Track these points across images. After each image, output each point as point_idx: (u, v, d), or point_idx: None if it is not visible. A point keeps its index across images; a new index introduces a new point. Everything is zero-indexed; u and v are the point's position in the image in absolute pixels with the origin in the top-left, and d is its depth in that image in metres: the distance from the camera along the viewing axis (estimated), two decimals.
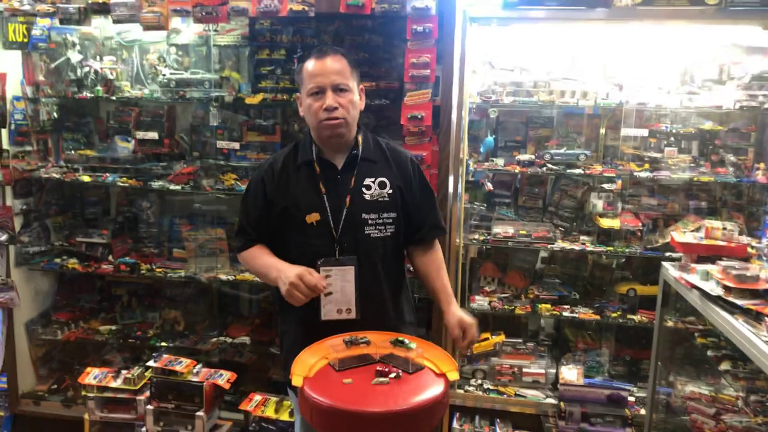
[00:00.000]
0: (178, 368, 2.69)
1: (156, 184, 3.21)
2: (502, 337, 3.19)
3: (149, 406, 2.68)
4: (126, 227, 3.51)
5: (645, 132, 3.08)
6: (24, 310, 3.35)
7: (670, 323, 2.73)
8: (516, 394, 3.10)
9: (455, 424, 3.02)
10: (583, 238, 3.13)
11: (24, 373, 3.38)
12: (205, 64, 3.24)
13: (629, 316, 3.07)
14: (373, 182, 2.09)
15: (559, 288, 3.22)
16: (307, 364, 1.72)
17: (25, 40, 3.11)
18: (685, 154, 3.11)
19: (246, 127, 3.23)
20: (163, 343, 3.34)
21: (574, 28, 2.94)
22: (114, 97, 3.25)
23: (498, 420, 3.04)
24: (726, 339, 2.18)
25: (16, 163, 3.15)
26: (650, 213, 3.14)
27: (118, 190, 3.55)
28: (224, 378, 2.73)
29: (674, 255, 2.84)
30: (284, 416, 2.83)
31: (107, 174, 3.29)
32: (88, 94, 3.21)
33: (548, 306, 3.11)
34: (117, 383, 2.78)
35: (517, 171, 3.11)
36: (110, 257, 3.37)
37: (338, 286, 2.00)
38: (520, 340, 3.24)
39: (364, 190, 2.07)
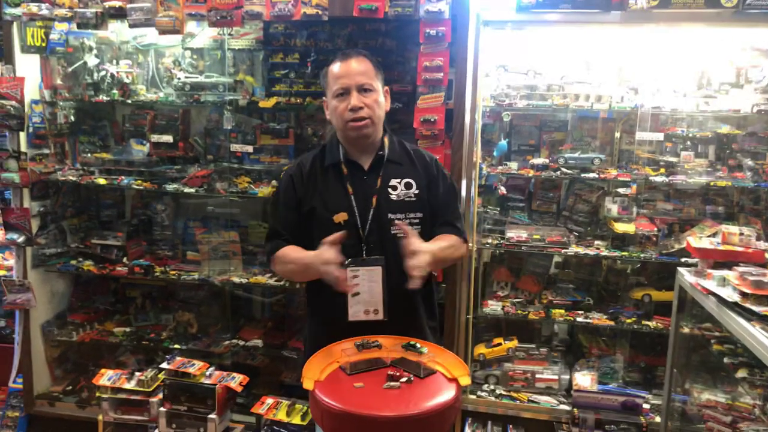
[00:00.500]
0: (191, 370, 2.70)
1: (170, 187, 3.23)
2: (515, 343, 3.16)
3: (162, 408, 2.69)
4: (140, 230, 3.54)
5: (661, 136, 3.04)
6: (40, 312, 3.38)
7: (685, 329, 2.69)
8: (529, 400, 3.07)
9: (467, 430, 3.00)
10: (597, 242, 3.10)
11: (39, 374, 3.41)
12: (220, 67, 3.26)
13: (644, 322, 3.03)
14: (399, 183, 2.10)
15: (573, 293, 3.19)
16: (318, 368, 1.72)
17: (44, 44, 3.16)
18: (702, 158, 3.07)
19: (260, 130, 3.25)
20: (177, 346, 3.36)
21: (588, 31, 2.92)
22: (130, 101, 3.28)
23: (510, 426, 3.02)
24: (743, 346, 2.15)
25: (33, 165, 3.18)
26: (666, 218, 3.10)
27: (133, 193, 3.59)
28: (236, 381, 2.74)
29: (690, 260, 2.82)
30: (296, 419, 2.82)
31: (122, 177, 3.31)
32: (105, 98, 3.25)
33: (562, 311, 3.08)
34: (131, 385, 2.79)
35: (530, 175, 3.09)
36: (125, 259, 3.40)
37: (366, 287, 1.96)
38: (533, 346, 3.22)
39: (390, 190, 2.09)
